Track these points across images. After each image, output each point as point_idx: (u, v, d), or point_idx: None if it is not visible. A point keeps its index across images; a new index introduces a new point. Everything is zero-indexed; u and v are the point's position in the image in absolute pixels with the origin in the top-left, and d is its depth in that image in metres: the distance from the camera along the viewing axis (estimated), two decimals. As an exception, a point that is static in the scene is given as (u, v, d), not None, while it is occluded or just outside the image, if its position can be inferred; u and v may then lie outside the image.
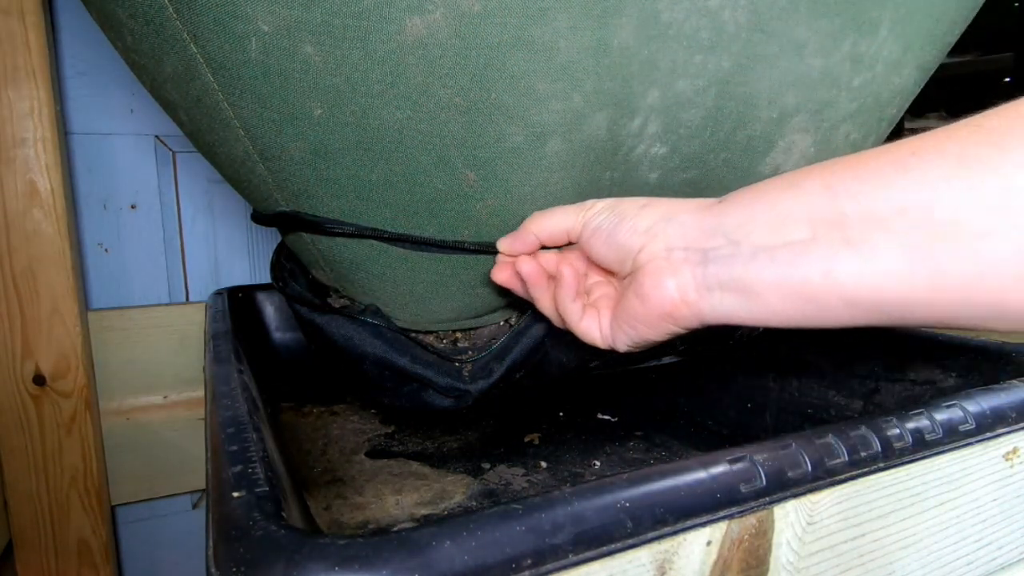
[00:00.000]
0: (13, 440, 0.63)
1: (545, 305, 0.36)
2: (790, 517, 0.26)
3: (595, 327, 0.34)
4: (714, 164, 0.41)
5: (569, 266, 0.34)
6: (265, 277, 0.79)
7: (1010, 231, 0.20)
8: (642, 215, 0.31)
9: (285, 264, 0.46)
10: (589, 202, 0.34)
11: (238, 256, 0.78)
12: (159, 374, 0.71)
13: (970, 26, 0.44)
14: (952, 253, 0.21)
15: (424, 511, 0.38)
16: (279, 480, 0.23)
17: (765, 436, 0.27)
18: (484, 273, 0.41)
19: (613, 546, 0.21)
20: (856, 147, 0.45)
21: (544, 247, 0.37)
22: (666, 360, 0.60)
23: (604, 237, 0.32)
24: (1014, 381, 0.34)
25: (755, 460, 0.25)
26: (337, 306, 0.43)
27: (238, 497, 0.21)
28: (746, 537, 0.25)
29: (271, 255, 0.48)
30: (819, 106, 0.41)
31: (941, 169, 0.22)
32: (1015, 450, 0.33)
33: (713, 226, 0.28)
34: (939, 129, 0.23)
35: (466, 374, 0.43)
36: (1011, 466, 0.33)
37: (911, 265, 0.22)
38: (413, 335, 0.44)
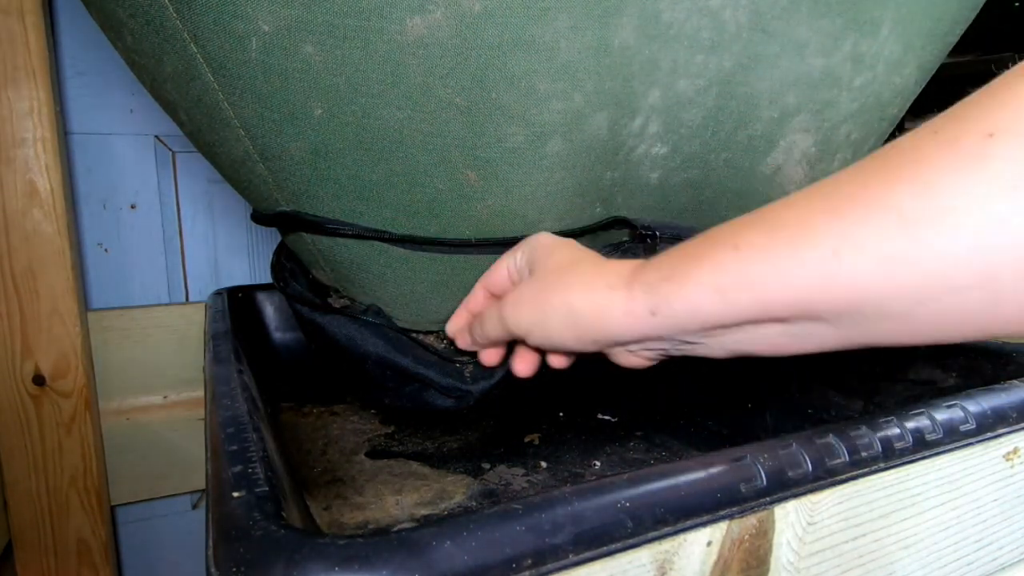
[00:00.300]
0: (13, 440, 0.63)
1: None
2: (790, 517, 0.26)
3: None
4: (715, 164, 0.41)
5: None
6: (265, 277, 0.79)
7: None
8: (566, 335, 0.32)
9: (286, 264, 0.46)
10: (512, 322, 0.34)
11: (238, 256, 0.78)
12: (159, 374, 0.71)
13: (970, 26, 0.44)
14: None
15: (424, 511, 0.38)
16: (279, 480, 0.23)
17: (765, 436, 0.27)
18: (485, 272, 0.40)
19: (613, 546, 0.21)
20: (857, 146, 0.45)
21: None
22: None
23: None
24: (1015, 381, 0.34)
25: (755, 460, 0.25)
26: (338, 306, 0.43)
27: (238, 497, 0.21)
28: (746, 537, 0.25)
29: (271, 255, 0.48)
30: (820, 106, 0.41)
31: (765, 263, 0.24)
32: (1015, 450, 0.33)
33: (658, 334, 0.29)
34: (761, 214, 0.25)
35: (468, 375, 0.43)
36: (1011, 466, 0.33)
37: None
38: (414, 335, 0.44)
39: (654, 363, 0.33)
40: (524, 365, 0.37)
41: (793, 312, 0.24)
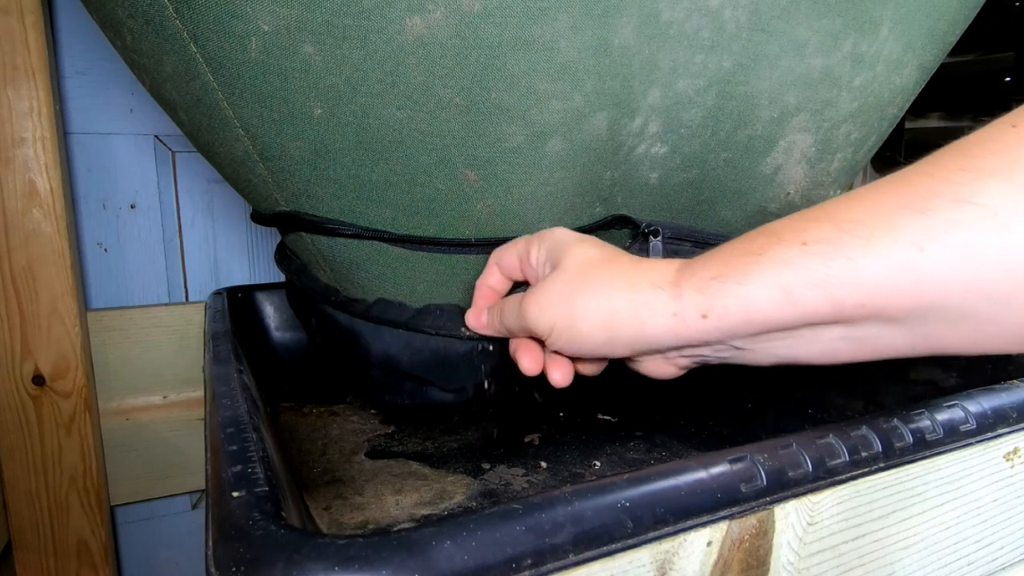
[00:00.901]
0: (12, 440, 0.63)
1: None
2: (791, 517, 0.26)
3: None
4: (715, 164, 0.41)
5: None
6: (265, 277, 0.79)
7: None
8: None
9: (293, 258, 0.46)
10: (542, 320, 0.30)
11: (238, 256, 0.78)
12: (159, 374, 0.71)
13: (970, 26, 0.44)
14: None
15: (424, 511, 0.38)
16: (279, 480, 0.23)
17: (765, 436, 0.27)
18: (484, 273, 0.40)
19: (613, 546, 0.21)
20: (857, 146, 0.45)
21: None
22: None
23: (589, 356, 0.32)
24: (1015, 381, 0.34)
25: (755, 460, 0.25)
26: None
27: (238, 497, 0.21)
28: (746, 537, 0.25)
29: (272, 254, 0.48)
30: (820, 106, 0.41)
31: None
32: (1016, 450, 0.33)
33: (705, 339, 0.27)
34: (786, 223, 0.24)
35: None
36: (1012, 466, 0.33)
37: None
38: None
39: (683, 373, 0.31)
40: (561, 375, 0.34)
41: (866, 312, 0.22)
